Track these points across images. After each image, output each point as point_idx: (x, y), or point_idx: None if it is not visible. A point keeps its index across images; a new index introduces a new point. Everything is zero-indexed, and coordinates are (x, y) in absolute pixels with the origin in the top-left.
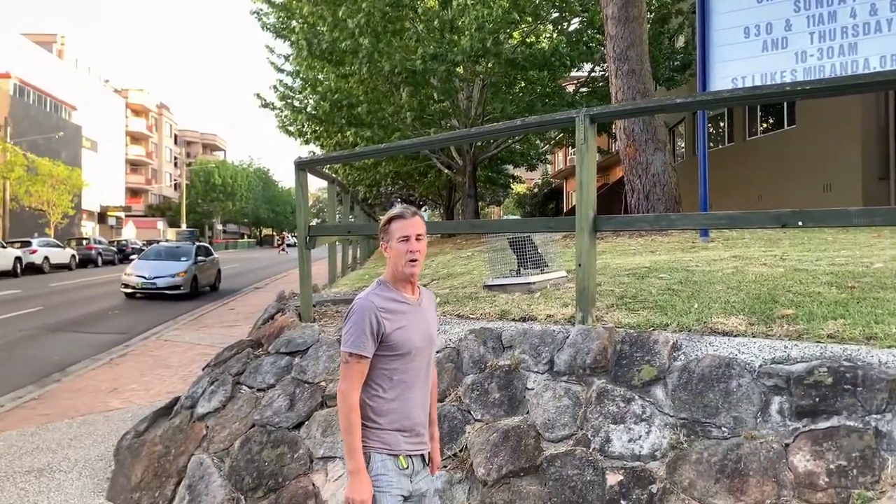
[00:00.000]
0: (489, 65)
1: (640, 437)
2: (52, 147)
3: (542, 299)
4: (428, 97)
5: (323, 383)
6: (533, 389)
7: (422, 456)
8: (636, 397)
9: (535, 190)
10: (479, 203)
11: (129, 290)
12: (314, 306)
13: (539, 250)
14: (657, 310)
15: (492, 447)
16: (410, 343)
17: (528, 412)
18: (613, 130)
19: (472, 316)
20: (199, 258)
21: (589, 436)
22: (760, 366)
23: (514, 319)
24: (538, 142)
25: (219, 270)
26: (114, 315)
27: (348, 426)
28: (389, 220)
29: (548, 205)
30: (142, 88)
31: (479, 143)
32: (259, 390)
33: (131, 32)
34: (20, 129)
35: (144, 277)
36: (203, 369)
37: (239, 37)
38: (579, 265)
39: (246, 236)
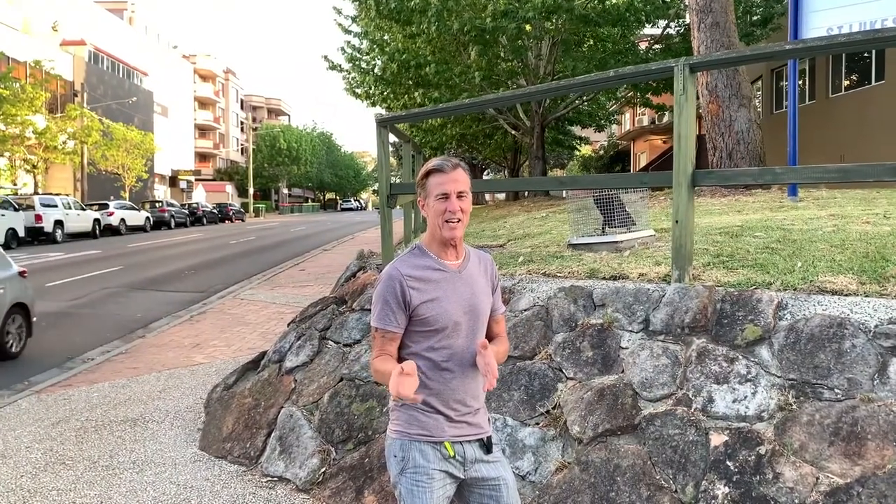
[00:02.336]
0: (560, 21)
1: (745, 397)
2: (125, 112)
3: (631, 258)
4: (496, 56)
5: None
6: (628, 348)
7: (481, 441)
8: (739, 357)
9: (601, 152)
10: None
11: None
12: None
13: (626, 208)
14: (757, 268)
15: (586, 405)
16: (446, 316)
17: (623, 371)
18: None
19: (559, 275)
20: None
21: (690, 395)
22: (876, 326)
23: (604, 278)
24: (606, 101)
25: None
26: (190, 274)
27: (382, 376)
28: (426, 174)
29: (614, 167)
30: (209, 54)
31: (547, 103)
32: (346, 345)
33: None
34: (95, 94)
35: None
36: (288, 325)
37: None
38: (676, 221)
39: (310, 200)
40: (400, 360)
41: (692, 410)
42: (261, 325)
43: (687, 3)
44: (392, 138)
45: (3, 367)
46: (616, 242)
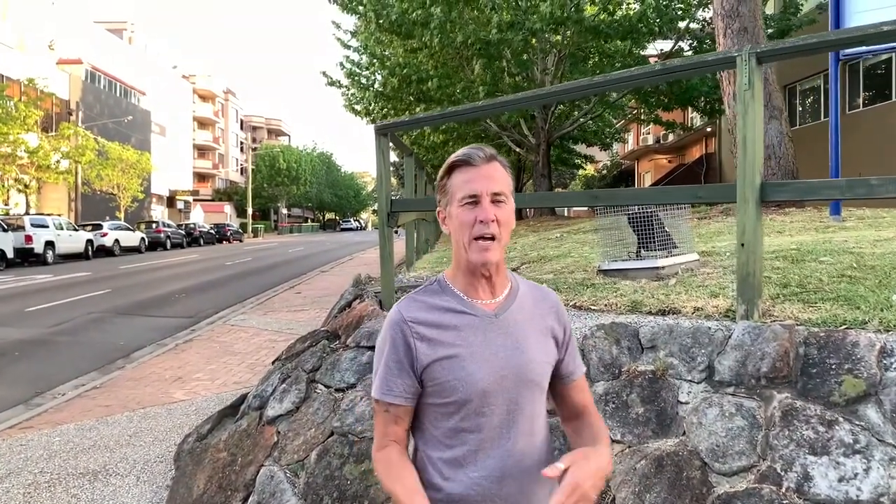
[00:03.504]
0: (568, 34)
1: (854, 475)
2: (122, 132)
3: (679, 287)
4: (501, 70)
5: None
6: (688, 403)
7: None
8: (840, 419)
9: (604, 171)
10: (551, 183)
11: None
12: (395, 292)
13: (666, 228)
14: (841, 302)
15: (640, 478)
16: (469, 383)
17: (684, 433)
18: (697, 103)
19: (593, 308)
20: None
21: (778, 469)
22: None
23: (650, 313)
24: (612, 118)
25: None
26: (180, 298)
27: (388, 490)
28: (449, 170)
29: (617, 187)
30: (209, 74)
31: (553, 119)
32: (338, 391)
33: (198, 18)
34: (91, 113)
35: None
36: (273, 363)
37: (303, 25)
38: (742, 245)
39: (310, 220)
40: (415, 450)
41: (783, 490)
42: (250, 356)
43: (712, 8)
44: (393, 157)
45: None
46: (657, 268)
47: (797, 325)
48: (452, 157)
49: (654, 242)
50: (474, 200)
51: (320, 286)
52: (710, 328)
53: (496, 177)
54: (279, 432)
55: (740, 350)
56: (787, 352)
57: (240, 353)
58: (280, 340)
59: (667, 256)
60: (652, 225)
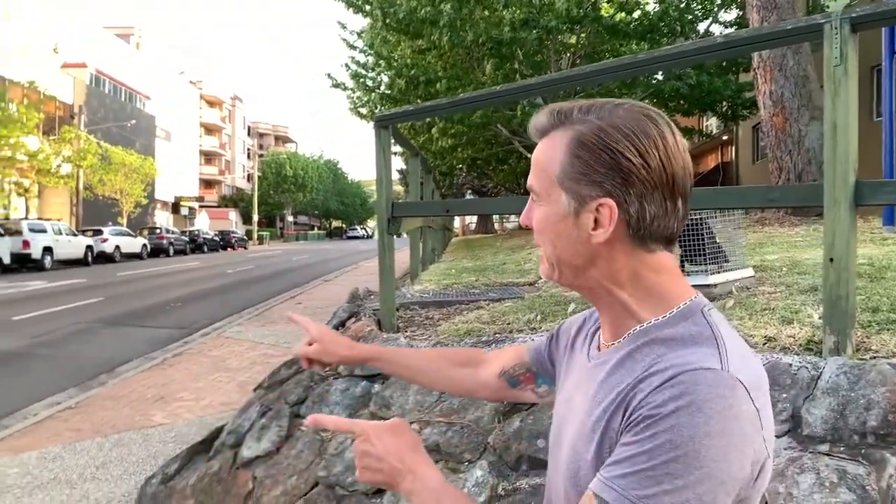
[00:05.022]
0: (583, 35)
1: None
2: (126, 136)
3: (740, 311)
4: (513, 71)
5: (415, 425)
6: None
7: None
8: None
9: None
10: None
11: None
12: (397, 310)
13: (717, 239)
14: None
15: None
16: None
17: None
18: (719, 108)
19: None
20: None
21: None
22: None
23: None
24: None
25: None
26: (176, 307)
27: None
28: None
29: None
30: (215, 80)
31: None
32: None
33: (205, 25)
34: (95, 118)
35: None
36: (254, 390)
37: (309, 34)
38: (831, 260)
39: (316, 228)
40: None
41: None
42: (242, 372)
43: (746, 2)
44: (399, 164)
45: None
46: (708, 286)
47: None
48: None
49: (703, 255)
50: None
51: (322, 296)
52: (790, 365)
53: (534, 160)
54: (255, 478)
55: (835, 395)
56: None
57: (231, 370)
58: (276, 356)
59: (718, 272)
60: (701, 234)
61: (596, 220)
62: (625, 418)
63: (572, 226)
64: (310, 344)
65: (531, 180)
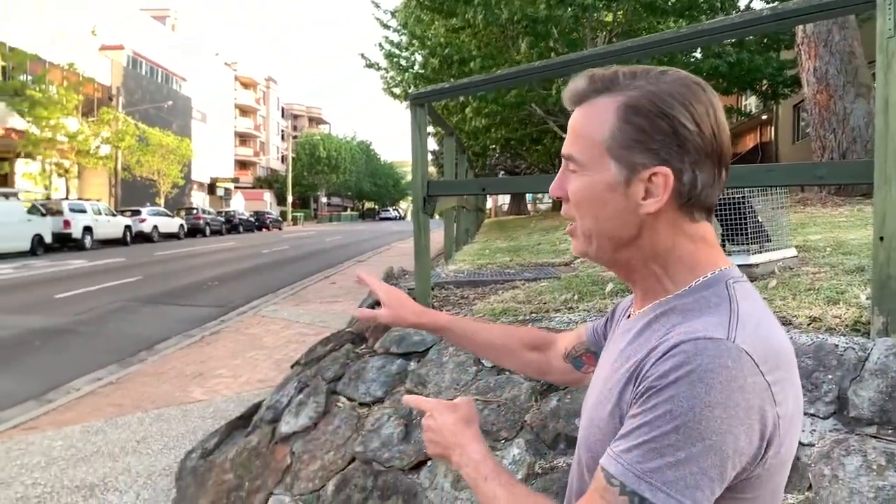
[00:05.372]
0: (620, 11)
1: None
2: (163, 118)
3: (783, 291)
4: (549, 49)
5: None
6: (814, 446)
7: None
8: None
9: None
10: None
11: None
12: (432, 289)
13: (759, 217)
14: None
15: None
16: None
17: (810, 487)
18: (759, 86)
19: None
20: None
21: None
22: None
23: None
24: None
25: None
26: (213, 287)
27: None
28: None
29: None
30: (250, 61)
31: None
32: (362, 405)
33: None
34: (132, 99)
35: None
36: (292, 367)
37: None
38: (881, 239)
39: (349, 209)
40: None
41: None
42: (278, 350)
43: None
44: (432, 145)
45: None
46: (749, 266)
47: None
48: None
49: (745, 234)
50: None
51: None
52: (836, 346)
53: (573, 128)
54: (293, 453)
55: (883, 377)
56: None
57: (267, 348)
58: (311, 334)
59: (759, 252)
60: (743, 213)
61: (647, 190)
62: (634, 389)
63: (621, 196)
64: (372, 306)
65: (570, 148)
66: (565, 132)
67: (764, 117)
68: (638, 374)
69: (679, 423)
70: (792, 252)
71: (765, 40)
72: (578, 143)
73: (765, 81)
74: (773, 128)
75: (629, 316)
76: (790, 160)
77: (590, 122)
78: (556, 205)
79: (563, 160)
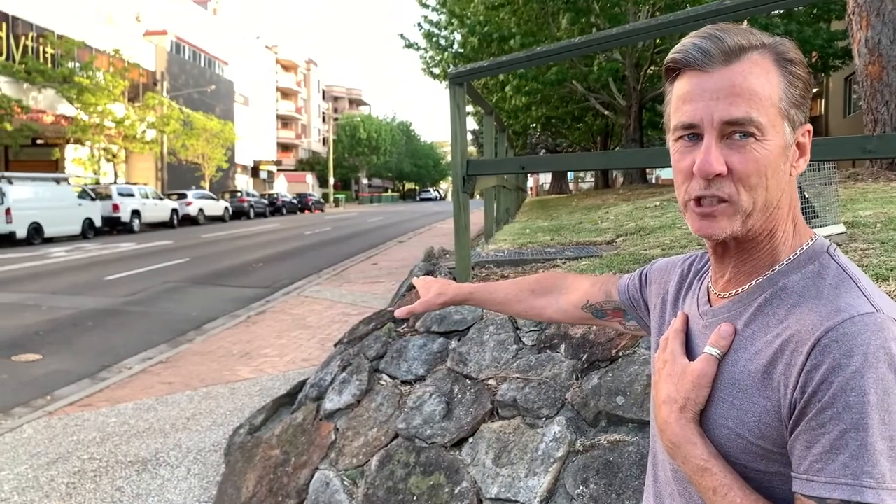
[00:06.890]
0: None
1: None
2: (206, 102)
3: None
4: (590, 26)
5: (492, 381)
6: None
7: None
8: None
9: None
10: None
11: None
12: (472, 268)
13: (806, 194)
14: None
15: None
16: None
17: None
18: (808, 59)
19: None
20: None
21: None
22: None
23: None
24: None
25: None
26: (258, 268)
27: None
28: (668, 72)
29: None
30: (290, 44)
31: (646, 78)
32: (404, 383)
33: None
34: (176, 83)
35: None
36: (335, 346)
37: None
38: None
39: (389, 190)
40: None
41: None
42: (322, 330)
43: None
44: (471, 125)
45: (32, 374)
46: None
47: None
48: (670, 53)
49: None
50: (692, 133)
51: (397, 257)
52: None
53: (740, 88)
54: (337, 430)
55: None
56: None
57: (311, 328)
58: (353, 314)
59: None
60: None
61: (800, 148)
62: (793, 394)
63: (785, 160)
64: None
65: (747, 111)
66: (607, 109)
67: (814, 90)
68: (787, 374)
69: (883, 412)
70: (840, 228)
71: (814, 11)
72: (757, 105)
73: (814, 53)
74: (823, 101)
75: (698, 299)
76: (841, 134)
77: (758, 81)
78: (598, 183)
79: (722, 129)
